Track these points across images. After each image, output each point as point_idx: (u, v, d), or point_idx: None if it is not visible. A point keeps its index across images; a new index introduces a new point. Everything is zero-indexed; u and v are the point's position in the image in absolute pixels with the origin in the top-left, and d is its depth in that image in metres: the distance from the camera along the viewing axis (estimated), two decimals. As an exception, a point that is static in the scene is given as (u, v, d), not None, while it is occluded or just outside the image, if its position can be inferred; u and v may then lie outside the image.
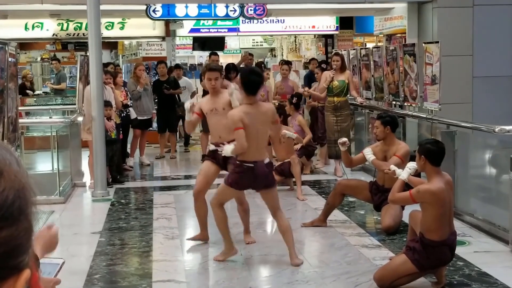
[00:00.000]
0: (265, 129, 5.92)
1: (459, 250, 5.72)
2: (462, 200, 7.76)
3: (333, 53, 11.02)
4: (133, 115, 11.04)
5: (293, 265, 5.86)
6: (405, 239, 6.33)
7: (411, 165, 5.54)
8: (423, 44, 9.23)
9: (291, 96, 10.50)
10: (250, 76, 5.79)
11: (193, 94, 13.35)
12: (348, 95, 10.32)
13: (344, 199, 7.61)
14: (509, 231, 6.38)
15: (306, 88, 11.17)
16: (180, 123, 12.66)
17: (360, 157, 7.38)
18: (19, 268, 0.77)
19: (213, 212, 6.11)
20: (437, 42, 8.87)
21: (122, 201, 8.87)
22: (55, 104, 15.04)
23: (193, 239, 6.87)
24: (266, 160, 5.89)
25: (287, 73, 11.71)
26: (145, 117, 11.70)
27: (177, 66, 13.91)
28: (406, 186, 5.58)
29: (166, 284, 5.57)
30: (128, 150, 11.66)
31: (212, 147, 6.55)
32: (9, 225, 0.76)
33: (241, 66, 12.32)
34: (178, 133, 13.60)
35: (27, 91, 15.99)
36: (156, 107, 12.44)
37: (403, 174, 5.56)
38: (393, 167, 5.89)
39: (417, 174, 5.72)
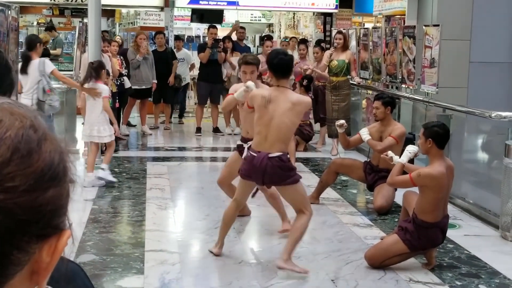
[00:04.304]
0: (284, 121, 5.22)
1: (449, 233, 5.78)
2: (455, 183, 7.72)
3: (336, 31, 10.88)
4: (127, 84, 11.01)
5: (277, 266, 5.20)
6: (396, 220, 6.40)
7: (411, 149, 5.55)
8: (423, 27, 9.23)
9: (302, 78, 10.41)
10: (276, 56, 5.30)
11: (192, 67, 13.32)
12: (348, 75, 10.28)
13: (337, 178, 7.67)
14: (499, 216, 6.44)
15: (311, 66, 10.98)
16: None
17: (357, 138, 7.40)
18: (59, 228, 0.81)
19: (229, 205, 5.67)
20: (438, 25, 8.87)
21: (116, 169, 8.87)
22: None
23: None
24: (274, 154, 5.22)
25: (305, 52, 11.50)
26: (143, 87, 11.67)
27: (177, 38, 13.85)
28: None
29: (159, 253, 5.61)
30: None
31: (239, 142, 6.24)
32: (55, 185, 0.79)
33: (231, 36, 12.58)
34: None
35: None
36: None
37: (403, 157, 5.57)
38: (390, 153, 5.84)
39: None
